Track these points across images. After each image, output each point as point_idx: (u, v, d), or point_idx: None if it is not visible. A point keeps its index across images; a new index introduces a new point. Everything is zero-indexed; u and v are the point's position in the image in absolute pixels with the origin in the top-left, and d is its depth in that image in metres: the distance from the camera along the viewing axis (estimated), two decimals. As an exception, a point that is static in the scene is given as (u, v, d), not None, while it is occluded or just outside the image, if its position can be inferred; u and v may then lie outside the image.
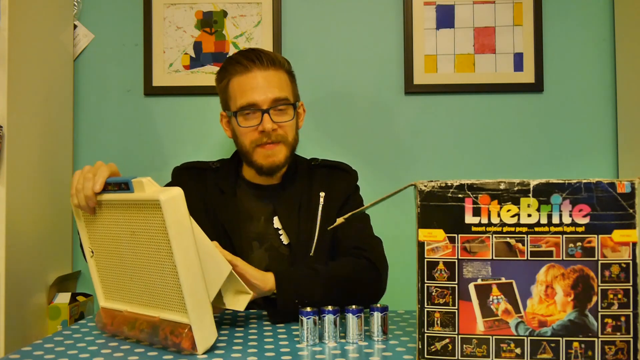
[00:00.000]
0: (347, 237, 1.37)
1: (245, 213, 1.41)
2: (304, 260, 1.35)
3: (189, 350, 0.95)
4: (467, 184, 0.86)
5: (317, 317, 1.02)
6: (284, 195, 1.42)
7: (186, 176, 1.46)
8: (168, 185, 1.49)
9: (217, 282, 1.03)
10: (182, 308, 0.96)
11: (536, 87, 1.97)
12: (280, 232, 1.38)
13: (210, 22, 2.01)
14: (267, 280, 1.17)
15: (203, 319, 0.96)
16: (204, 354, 0.96)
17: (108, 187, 1.04)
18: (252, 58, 1.35)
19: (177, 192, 0.95)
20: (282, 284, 1.18)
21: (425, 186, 0.87)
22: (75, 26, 1.99)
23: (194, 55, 2.00)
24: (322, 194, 1.38)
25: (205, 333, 0.96)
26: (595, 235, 0.84)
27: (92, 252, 1.12)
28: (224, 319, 1.22)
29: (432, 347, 0.87)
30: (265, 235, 1.39)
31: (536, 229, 0.85)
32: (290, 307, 1.15)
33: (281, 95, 1.34)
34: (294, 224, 1.38)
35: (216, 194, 1.42)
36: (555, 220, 0.85)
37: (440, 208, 0.86)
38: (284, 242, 1.38)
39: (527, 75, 1.98)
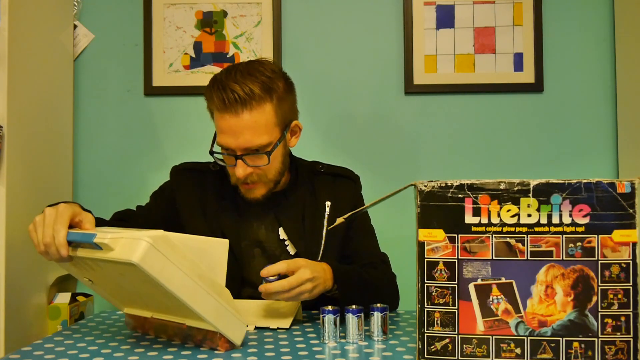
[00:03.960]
0: (365, 252, 1.39)
1: (246, 220, 1.38)
2: None
3: (230, 348, 1.00)
4: (467, 184, 0.86)
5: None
6: (286, 204, 1.39)
7: (185, 177, 1.43)
8: (166, 184, 1.46)
9: (222, 263, 1.04)
10: (205, 319, 0.97)
11: (536, 87, 1.97)
12: (287, 242, 1.36)
13: (210, 22, 2.01)
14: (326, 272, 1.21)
15: (229, 321, 0.98)
16: (206, 353, 0.97)
17: (71, 243, 1.01)
18: (224, 99, 1.27)
19: (146, 246, 0.90)
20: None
21: (425, 186, 0.87)
22: (75, 26, 1.99)
23: (194, 55, 2.00)
24: (328, 204, 1.36)
25: (236, 329, 1.00)
26: (595, 235, 0.84)
27: (91, 281, 1.09)
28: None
29: (432, 347, 0.87)
30: (267, 242, 1.37)
31: (536, 229, 0.85)
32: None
33: (253, 144, 1.27)
34: (299, 233, 1.36)
35: (216, 199, 1.39)
36: (555, 220, 0.85)
37: (440, 208, 0.86)
38: (290, 253, 1.35)
39: (527, 75, 1.97)
